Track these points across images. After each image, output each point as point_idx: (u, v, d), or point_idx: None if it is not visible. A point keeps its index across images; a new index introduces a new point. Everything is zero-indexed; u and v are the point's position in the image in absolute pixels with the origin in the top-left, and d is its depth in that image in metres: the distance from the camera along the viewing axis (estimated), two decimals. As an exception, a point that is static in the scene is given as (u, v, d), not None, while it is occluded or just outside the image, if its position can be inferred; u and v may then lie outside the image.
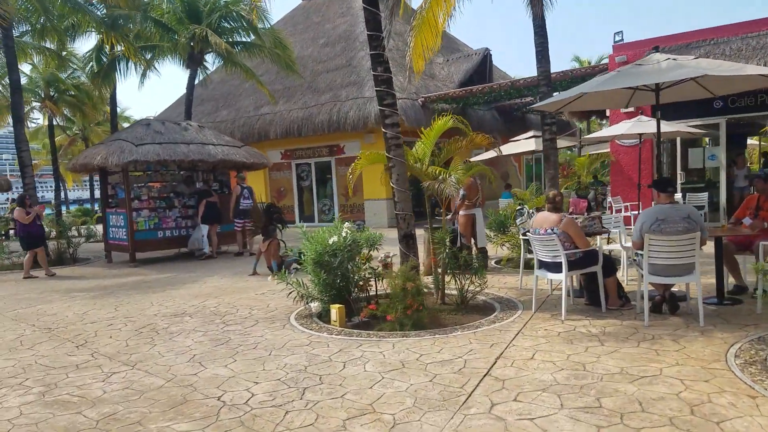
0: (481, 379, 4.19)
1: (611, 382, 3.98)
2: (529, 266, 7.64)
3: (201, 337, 5.96)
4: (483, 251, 8.61)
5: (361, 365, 4.70)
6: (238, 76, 22.33)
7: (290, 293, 6.61)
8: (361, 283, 6.43)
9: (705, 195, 12.64)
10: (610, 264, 5.84)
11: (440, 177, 6.23)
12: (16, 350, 5.86)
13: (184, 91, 18.40)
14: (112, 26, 15.56)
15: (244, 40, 17.97)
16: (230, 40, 17.55)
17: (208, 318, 6.80)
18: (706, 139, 14.42)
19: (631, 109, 13.55)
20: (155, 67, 18.59)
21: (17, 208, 11.18)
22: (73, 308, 7.88)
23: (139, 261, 12.28)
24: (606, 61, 32.13)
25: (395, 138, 6.55)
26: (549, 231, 5.69)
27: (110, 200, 13.01)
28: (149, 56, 17.69)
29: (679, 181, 13.32)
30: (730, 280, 6.33)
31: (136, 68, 17.94)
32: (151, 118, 15.86)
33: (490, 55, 21.83)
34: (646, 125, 11.49)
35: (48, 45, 16.65)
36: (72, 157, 35.53)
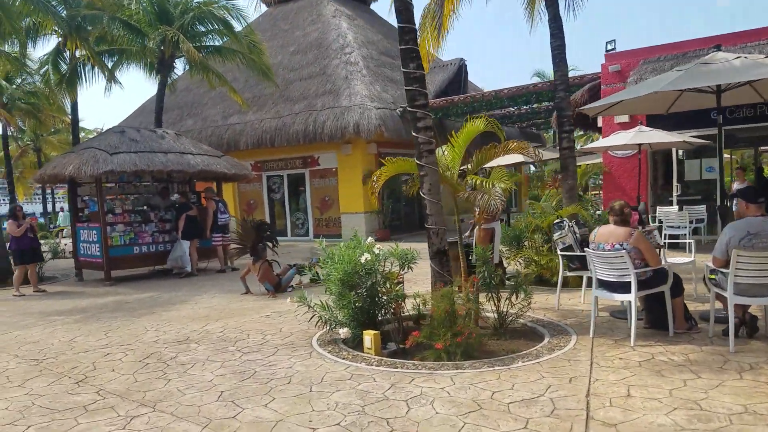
0: (587, 426, 3.57)
1: (746, 425, 3.42)
2: (567, 284, 7.12)
3: (220, 368, 5.16)
4: (500, 267, 8.05)
5: (428, 406, 4.01)
6: (204, 84, 21.31)
7: (311, 317, 5.87)
8: (393, 305, 5.74)
9: (703, 207, 12.48)
10: (679, 283, 5.33)
11: (482, 187, 5.64)
12: (5, 388, 4.97)
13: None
14: (77, 28, 14.43)
15: (216, 44, 17.01)
16: (202, 44, 16.57)
17: (219, 345, 5.98)
18: (680, 152, 14.28)
19: (625, 119, 13.40)
20: (118, 73, 17.41)
21: (9, 220, 10.51)
22: (56, 334, 6.93)
23: (113, 279, 11.18)
24: (573, 73, 32.50)
25: (428, 143, 5.93)
26: (617, 246, 5.14)
27: (80, 214, 11.90)
28: (114, 60, 16.51)
29: (675, 194, 13.14)
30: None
31: (103, 74, 16.71)
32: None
33: (466, 65, 21.49)
34: (648, 135, 11.22)
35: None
36: (23, 169, 33.62)
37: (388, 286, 5.70)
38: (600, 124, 14.20)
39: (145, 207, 12.07)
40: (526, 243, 8.92)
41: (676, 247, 9.90)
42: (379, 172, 6.37)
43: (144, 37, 15.92)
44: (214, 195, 12.29)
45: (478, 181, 5.79)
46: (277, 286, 8.92)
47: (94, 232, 11.26)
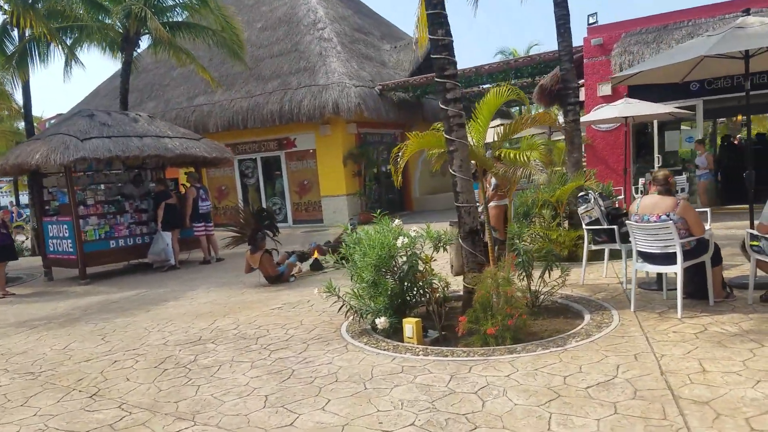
0: (678, 405, 3.39)
1: (843, 396, 3.31)
2: (578, 258, 6.98)
3: (251, 370, 4.76)
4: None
5: (502, 396, 3.76)
6: (165, 64, 20.25)
7: (341, 307, 5.55)
8: (428, 290, 5.47)
9: (684, 177, 12.64)
10: (718, 252, 5.24)
11: (517, 160, 5.41)
12: (7, 409, 4.40)
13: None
14: (31, 5, 13.33)
15: (183, 19, 16.06)
16: (169, 20, 15.62)
17: (239, 344, 5.56)
18: (654, 122, 14.34)
19: (608, 93, 13.40)
20: (77, 54, 16.23)
21: None
22: (44, 342, 6.31)
23: (89, 277, 10.46)
24: (535, 50, 32.63)
25: (458, 116, 5.61)
26: (664, 217, 4.99)
27: (47, 207, 11.11)
28: (72, 39, 15.37)
29: (656, 165, 13.26)
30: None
31: (62, 53, 15.52)
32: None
33: (438, 42, 21.10)
34: (636, 108, 11.20)
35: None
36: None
37: (423, 269, 5.44)
38: (582, 97, 14.15)
39: (118, 197, 11.36)
40: (535, 220, 8.73)
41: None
42: (403, 150, 6.03)
43: (106, 13, 14.90)
44: (196, 181, 11.69)
45: (512, 154, 5.55)
46: (278, 276, 8.51)
47: (65, 226, 10.50)
